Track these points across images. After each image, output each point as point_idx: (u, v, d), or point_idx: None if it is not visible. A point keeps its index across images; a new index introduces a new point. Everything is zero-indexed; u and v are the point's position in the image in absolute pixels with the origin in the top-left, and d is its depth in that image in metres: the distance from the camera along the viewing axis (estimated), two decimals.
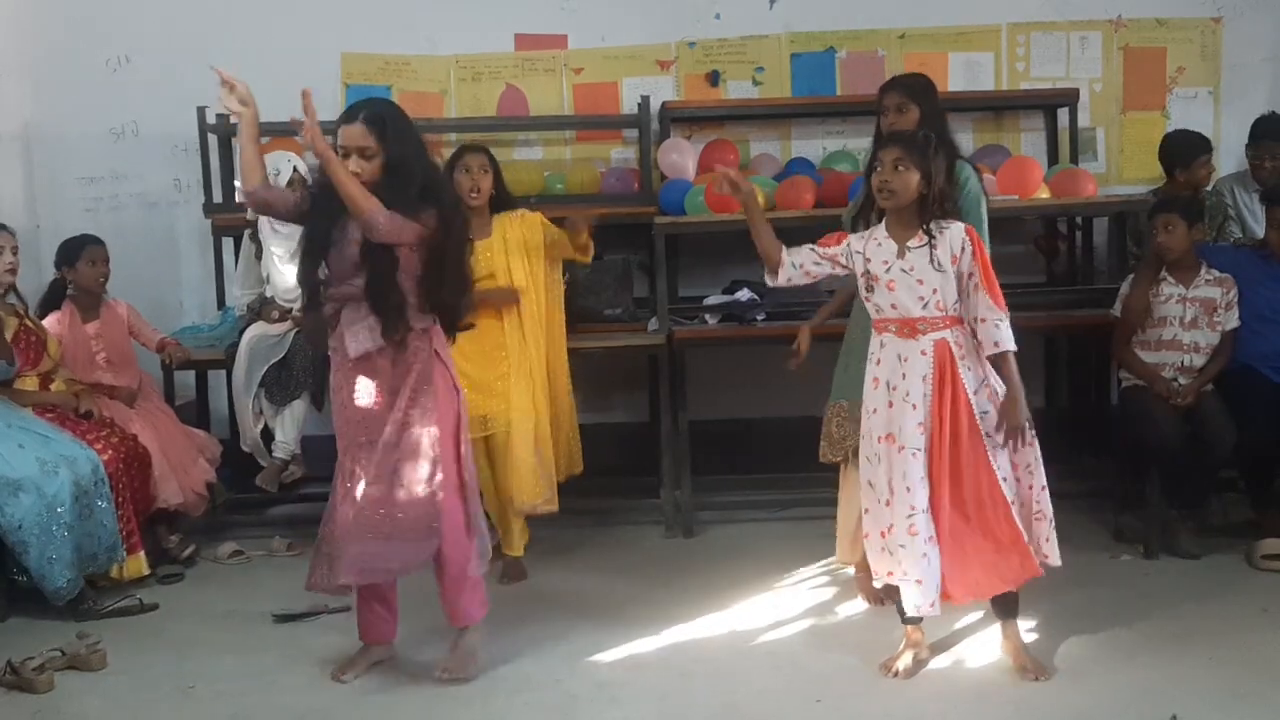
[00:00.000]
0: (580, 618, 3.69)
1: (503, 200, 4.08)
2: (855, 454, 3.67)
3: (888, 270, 3.11)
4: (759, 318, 4.67)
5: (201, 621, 3.79)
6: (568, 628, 3.59)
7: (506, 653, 3.38)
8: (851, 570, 3.86)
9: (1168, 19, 5.40)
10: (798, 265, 3.24)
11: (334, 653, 3.47)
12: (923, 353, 3.09)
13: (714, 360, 5.01)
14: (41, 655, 3.34)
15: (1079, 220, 5.16)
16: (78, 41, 5.27)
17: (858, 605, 3.77)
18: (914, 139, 3.13)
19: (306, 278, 3.18)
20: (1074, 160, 5.21)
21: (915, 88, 3.64)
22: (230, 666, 3.42)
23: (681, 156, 5.02)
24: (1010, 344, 3.06)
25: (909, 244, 3.10)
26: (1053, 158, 5.28)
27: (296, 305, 4.55)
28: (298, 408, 4.52)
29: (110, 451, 4.03)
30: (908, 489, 3.08)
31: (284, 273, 4.59)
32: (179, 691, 3.28)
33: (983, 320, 3.05)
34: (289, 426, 4.53)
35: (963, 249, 3.07)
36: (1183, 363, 4.18)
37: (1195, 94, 5.42)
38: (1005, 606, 3.22)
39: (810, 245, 3.25)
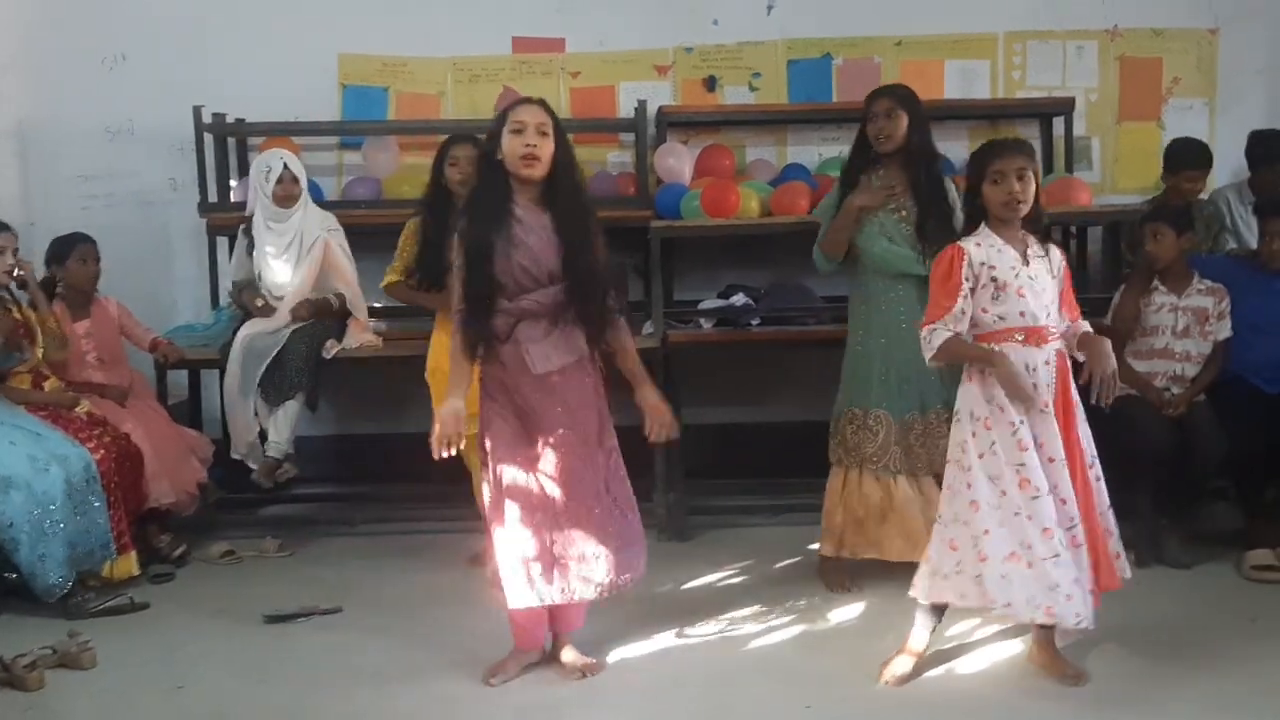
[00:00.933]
0: None
1: None
2: (870, 460, 3.69)
3: (1016, 276, 3.06)
4: (754, 322, 4.68)
5: (192, 621, 3.79)
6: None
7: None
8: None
9: (1164, 29, 5.41)
10: (950, 321, 3.09)
11: (325, 654, 3.47)
12: (1046, 362, 3.08)
13: (709, 364, 5.01)
14: (32, 653, 3.34)
15: (1073, 229, 5.18)
16: (74, 39, 5.26)
17: (850, 611, 3.78)
18: (1024, 145, 3.13)
19: (473, 288, 3.06)
20: (1069, 169, 5.23)
21: (904, 96, 3.75)
22: (220, 666, 3.42)
23: (678, 161, 5.03)
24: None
25: (1029, 252, 3.10)
26: (1048, 166, 5.29)
27: (284, 301, 4.57)
28: (291, 408, 4.51)
29: (102, 450, 4.03)
30: (1063, 500, 3.03)
31: (274, 269, 4.60)
32: (169, 690, 3.27)
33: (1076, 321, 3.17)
34: (282, 426, 4.52)
35: (1062, 266, 3.14)
36: (1175, 372, 4.19)
37: (1191, 104, 5.43)
38: None
39: (951, 320, 3.07)
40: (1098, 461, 3.18)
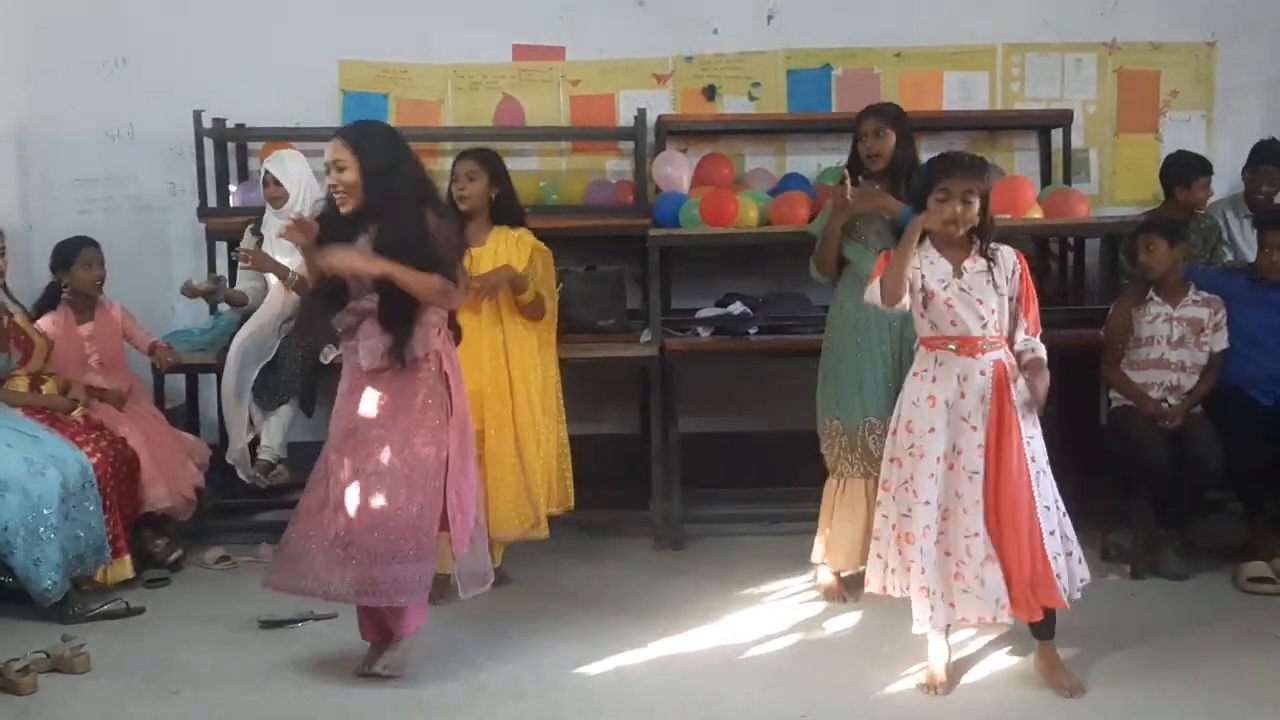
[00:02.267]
0: (567, 629, 3.68)
1: (507, 210, 4.00)
2: (861, 470, 3.69)
3: (945, 288, 3.12)
4: (751, 331, 4.68)
5: (187, 626, 3.78)
6: (554, 639, 3.59)
7: (492, 662, 3.37)
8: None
9: (1162, 43, 5.43)
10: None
11: (319, 659, 3.47)
12: (982, 372, 3.11)
13: (706, 373, 5.01)
14: (25, 657, 3.33)
15: (1071, 240, 5.19)
16: (74, 43, 5.26)
17: (846, 620, 3.77)
18: (974, 165, 3.17)
19: (326, 285, 3.21)
20: (1067, 181, 5.24)
21: (892, 115, 3.84)
22: (215, 671, 3.41)
23: (676, 170, 5.03)
24: (1043, 351, 3.17)
25: (964, 264, 3.13)
26: (1046, 178, 5.30)
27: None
28: (284, 413, 4.51)
29: (99, 454, 4.02)
30: (964, 510, 3.09)
31: (277, 255, 4.58)
32: (163, 695, 3.26)
33: (1029, 334, 3.17)
34: (275, 431, 4.51)
35: (1014, 272, 3.16)
36: (1170, 382, 4.20)
37: (1188, 117, 5.45)
38: (1043, 627, 3.22)
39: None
40: (1048, 480, 3.16)
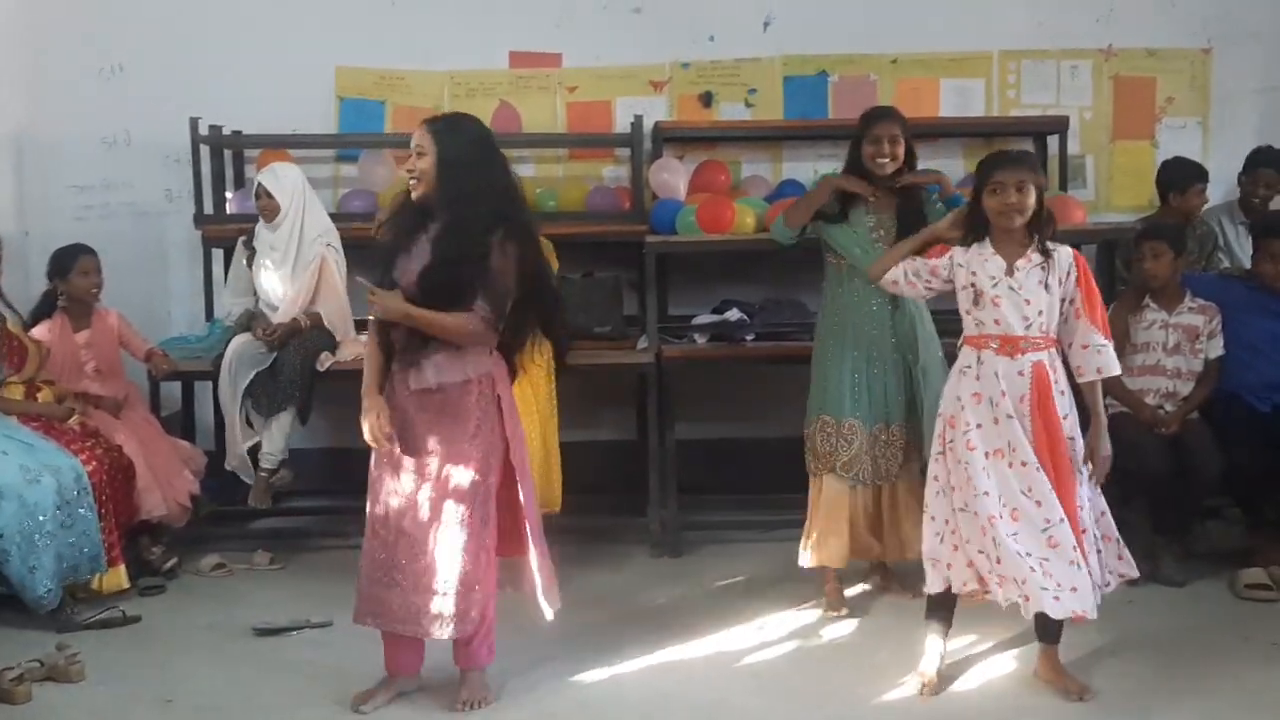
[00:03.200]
0: (564, 637, 3.66)
1: None
2: (843, 468, 3.70)
3: (995, 286, 3.12)
4: (748, 337, 4.68)
5: (182, 634, 3.77)
6: (551, 647, 3.57)
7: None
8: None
9: (1158, 49, 5.44)
10: (906, 273, 3.30)
11: (315, 666, 3.46)
12: (1020, 373, 3.11)
13: (702, 379, 5.01)
14: (20, 666, 3.32)
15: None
16: (71, 50, 5.26)
17: (843, 627, 3.77)
18: (1027, 157, 3.18)
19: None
20: (1063, 187, 5.24)
21: (904, 122, 3.79)
22: (210, 680, 3.40)
23: (673, 176, 5.04)
24: (1114, 368, 3.16)
25: (1018, 263, 3.13)
26: None
27: (279, 313, 4.55)
28: (284, 419, 4.50)
29: (94, 462, 4.01)
30: (1037, 503, 3.06)
31: (274, 280, 4.59)
32: (158, 704, 3.25)
33: (1085, 346, 3.13)
34: (276, 437, 4.50)
35: (1069, 273, 3.13)
36: (1167, 389, 4.20)
37: (1184, 124, 5.46)
38: (1048, 629, 3.21)
39: (918, 260, 3.31)
40: (1085, 479, 3.18)
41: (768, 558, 4.43)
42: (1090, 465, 3.15)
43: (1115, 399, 4.29)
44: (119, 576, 4.02)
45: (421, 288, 3.03)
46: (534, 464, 3.99)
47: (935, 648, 3.27)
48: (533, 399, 4.04)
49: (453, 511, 3.07)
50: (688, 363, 4.64)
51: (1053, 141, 5.31)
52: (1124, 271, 4.83)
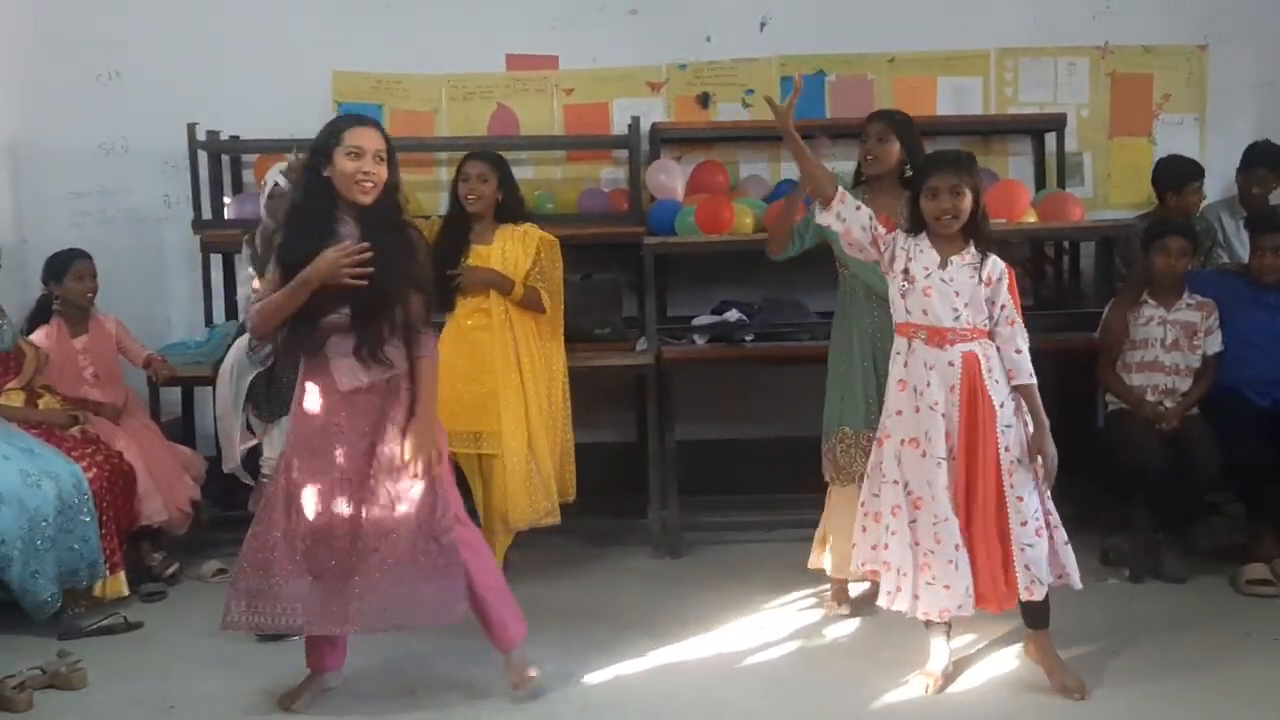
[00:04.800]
0: (566, 638, 3.67)
1: (511, 210, 4.10)
2: (863, 479, 3.70)
3: (927, 276, 3.15)
4: (747, 338, 4.68)
5: (184, 640, 3.77)
6: (553, 648, 3.57)
7: (490, 672, 3.36)
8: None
9: (1154, 46, 5.44)
10: (843, 217, 3.25)
11: None
12: (950, 363, 3.13)
13: (702, 380, 5.01)
14: (21, 673, 3.32)
15: (1065, 244, 5.19)
16: (68, 56, 5.26)
17: (844, 627, 3.77)
18: (960, 160, 3.18)
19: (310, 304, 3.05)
20: (1061, 185, 5.25)
21: (899, 121, 3.77)
22: (212, 686, 3.40)
23: (670, 177, 5.04)
24: (1033, 377, 3.16)
25: (951, 258, 3.15)
26: (1040, 182, 5.31)
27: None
28: (286, 424, 4.48)
29: (95, 468, 4.01)
30: (933, 496, 3.11)
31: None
32: (160, 711, 3.25)
33: (1018, 351, 3.15)
34: (277, 442, 4.48)
35: (1000, 279, 3.16)
36: (1165, 385, 4.20)
37: (1181, 120, 5.46)
38: (1036, 615, 3.22)
39: (870, 212, 3.27)
40: (1024, 470, 3.14)
41: (769, 558, 4.43)
42: (1040, 460, 3.13)
43: (1114, 395, 4.29)
44: (119, 583, 4.03)
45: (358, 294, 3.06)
46: (557, 453, 4.13)
47: (940, 648, 3.27)
48: (546, 390, 4.09)
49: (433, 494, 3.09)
50: (687, 364, 4.64)
51: (1050, 139, 5.31)
52: (1123, 268, 4.83)
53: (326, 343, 3.07)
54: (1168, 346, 4.20)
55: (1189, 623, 3.72)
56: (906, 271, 3.18)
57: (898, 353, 3.23)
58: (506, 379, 3.99)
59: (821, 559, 3.90)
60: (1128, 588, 4.08)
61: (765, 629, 3.76)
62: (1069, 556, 3.20)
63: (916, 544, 3.15)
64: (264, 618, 3.08)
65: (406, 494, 3.07)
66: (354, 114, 3.32)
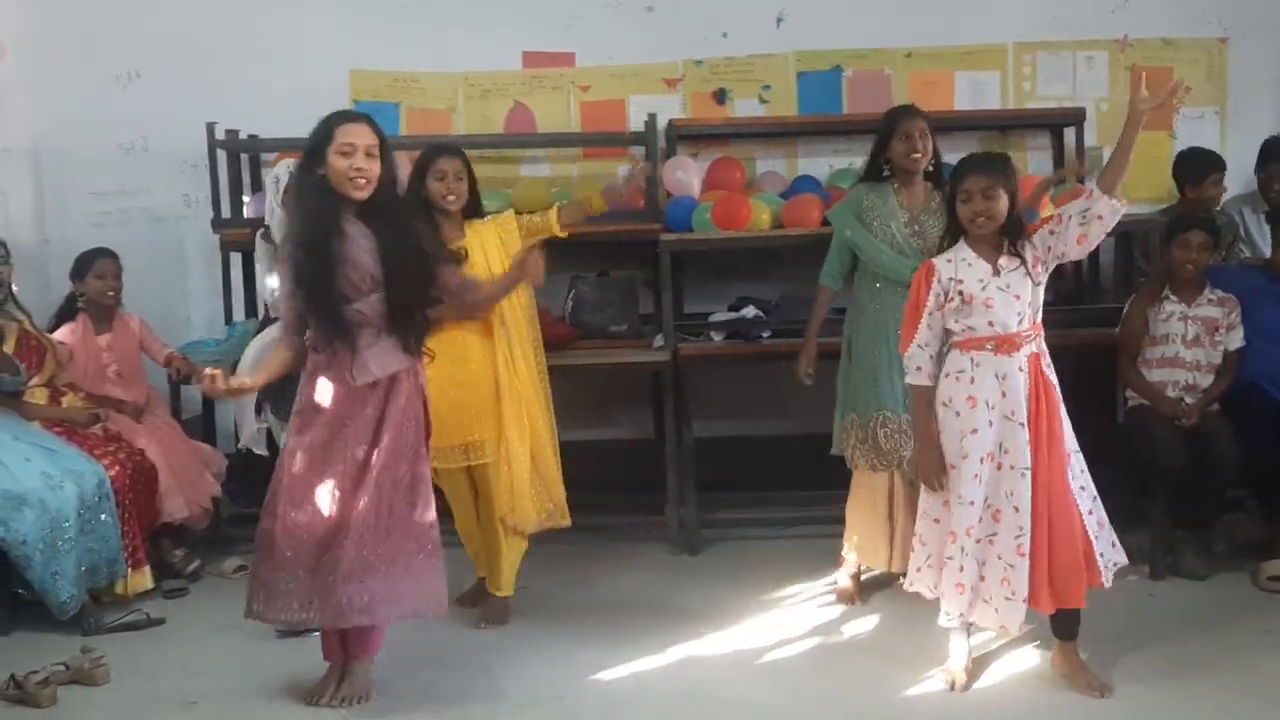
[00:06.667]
0: (584, 635, 3.68)
1: (475, 205, 3.88)
2: (908, 464, 3.69)
3: (984, 288, 3.12)
4: (764, 335, 4.67)
5: (205, 636, 3.80)
6: (571, 645, 3.59)
7: (509, 669, 3.37)
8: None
9: (1174, 39, 5.41)
10: (931, 357, 3.21)
11: None
12: (1020, 369, 3.12)
13: (719, 377, 5.01)
14: (45, 669, 3.35)
15: None
16: (88, 57, 5.30)
17: (863, 623, 3.76)
18: (993, 162, 3.18)
19: (317, 300, 3.08)
20: (1080, 179, 5.21)
21: (929, 120, 3.83)
22: (234, 682, 3.42)
23: (686, 174, 5.03)
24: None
25: (1000, 262, 3.14)
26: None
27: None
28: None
29: (117, 467, 4.04)
30: (1015, 509, 3.08)
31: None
32: (182, 706, 3.28)
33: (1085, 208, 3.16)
34: None
35: (1039, 242, 3.14)
36: (1187, 381, 4.17)
37: (1202, 114, 5.41)
38: (1067, 625, 3.22)
39: (922, 342, 3.20)
40: (1079, 461, 3.18)
41: (786, 554, 4.43)
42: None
43: (1135, 391, 4.27)
44: (143, 579, 4.06)
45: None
46: (540, 473, 3.90)
47: (960, 645, 3.26)
48: (540, 392, 3.94)
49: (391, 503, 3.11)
50: (704, 361, 4.64)
51: (1069, 133, 5.28)
52: (1142, 263, 4.80)
53: (359, 334, 3.09)
54: (1189, 342, 4.18)
55: (1209, 620, 3.71)
56: (961, 294, 3.13)
57: (961, 370, 3.15)
58: (509, 382, 3.80)
59: (855, 555, 3.89)
60: (1147, 584, 4.06)
61: (783, 625, 3.76)
62: (1117, 555, 3.22)
63: (999, 558, 3.10)
64: (274, 611, 3.14)
65: (394, 489, 3.11)
66: (345, 111, 3.33)
